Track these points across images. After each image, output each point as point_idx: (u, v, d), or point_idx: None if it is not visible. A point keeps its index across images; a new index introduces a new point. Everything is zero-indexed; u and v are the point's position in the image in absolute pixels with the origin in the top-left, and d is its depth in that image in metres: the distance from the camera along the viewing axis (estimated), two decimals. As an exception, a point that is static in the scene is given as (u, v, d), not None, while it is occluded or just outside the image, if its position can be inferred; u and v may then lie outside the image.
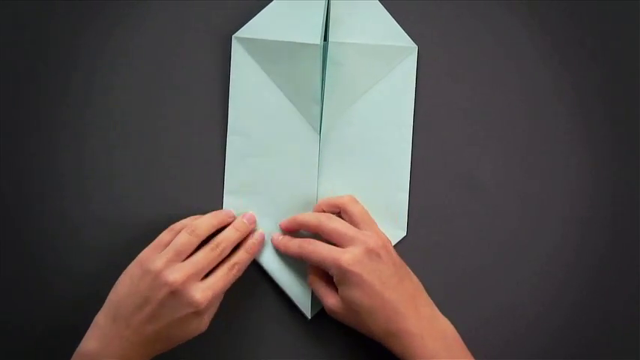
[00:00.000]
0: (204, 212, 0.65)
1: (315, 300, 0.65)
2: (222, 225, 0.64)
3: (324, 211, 0.65)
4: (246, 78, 0.66)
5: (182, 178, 0.66)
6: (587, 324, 0.67)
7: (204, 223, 0.63)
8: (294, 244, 0.64)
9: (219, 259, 0.62)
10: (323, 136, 0.66)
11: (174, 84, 0.66)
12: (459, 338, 0.61)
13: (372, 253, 0.60)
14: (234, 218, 0.65)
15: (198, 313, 0.60)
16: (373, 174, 0.66)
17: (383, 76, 0.66)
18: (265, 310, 0.66)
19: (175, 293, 0.58)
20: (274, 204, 0.66)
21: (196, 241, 0.61)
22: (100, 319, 0.60)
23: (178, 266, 0.60)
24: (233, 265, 0.62)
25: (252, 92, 0.66)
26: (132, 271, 0.61)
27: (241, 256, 0.63)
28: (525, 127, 0.67)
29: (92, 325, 0.60)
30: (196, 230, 0.62)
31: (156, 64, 0.66)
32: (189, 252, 0.61)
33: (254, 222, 0.65)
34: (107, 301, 0.60)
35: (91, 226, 0.66)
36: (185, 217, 0.65)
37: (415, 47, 0.66)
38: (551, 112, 0.67)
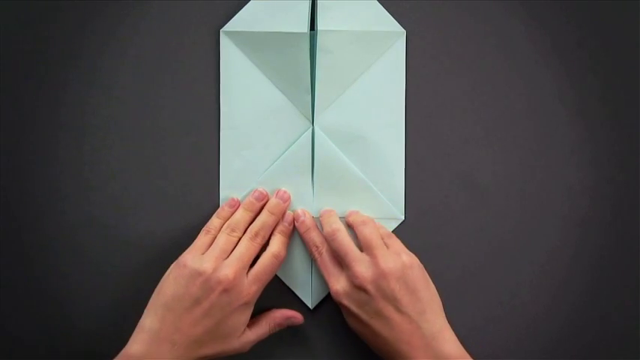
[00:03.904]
0: (203, 208, 0.66)
1: (316, 290, 0.66)
2: (257, 213, 0.65)
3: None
4: (236, 71, 0.66)
5: (180, 176, 0.67)
6: (587, 324, 0.67)
7: (240, 219, 0.64)
8: (313, 237, 0.64)
9: (261, 247, 0.63)
10: (316, 124, 0.66)
11: (170, 82, 0.66)
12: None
13: (359, 288, 0.61)
14: (267, 199, 0.65)
15: (247, 304, 0.61)
16: (368, 160, 0.66)
17: (373, 62, 0.66)
18: (268, 300, 0.65)
19: (228, 290, 0.60)
20: (270, 195, 0.66)
21: (236, 240, 0.63)
22: (146, 323, 0.60)
23: (226, 263, 0.61)
24: (277, 255, 0.63)
25: (242, 85, 0.66)
26: (176, 274, 0.61)
27: (278, 242, 0.64)
28: (525, 127, 0.67)
29: (137, 329, 0.60)
30: (235, 230, 0.63)
31: (153, 63, 0.66)
32: (232, 249, 0.62)
33: (288, 199, 0.65)
34: (151, 305, 0.61)
35: (91, 226, 0.66)
36: (184, 216, 0.66)
37: (403, 32, 0.66)
38: (551, 112, 0.67)
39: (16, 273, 0.66)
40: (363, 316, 0.61)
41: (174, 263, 0.62)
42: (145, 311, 0.60)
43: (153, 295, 0.61)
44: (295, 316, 0.65)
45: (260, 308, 0.64)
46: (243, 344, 0.62)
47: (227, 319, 0.60)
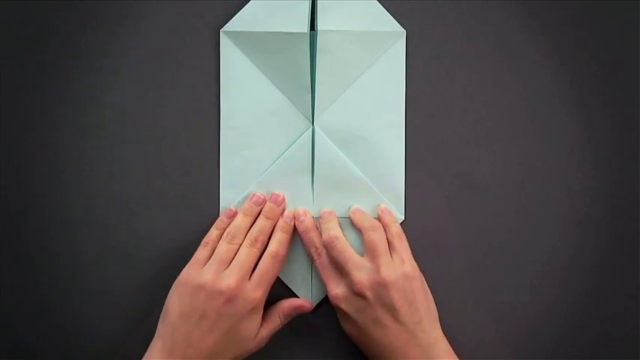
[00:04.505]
0: (203, 208, 0.66)
1: (316, 290, 0.66)
2: (255, 218, 0.65)
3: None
4: (236, 71, 0.66)
5: (180, 176, 0.67)
6: (587, 324, 0.67)
7: (240, 225, 0.64)
8: (312, 238, 0.64)
9: (261, 252, 0.63)
10: (316, 124, 0.66)
11: (170, 82, 0.66)
12: None
13: (358, 294, 0.61)
14: (264, 204, 0.65)
15: (255, 309, 0.61)
16: (368, 160, 0.66)
17: (373, 62, 0.66)
18: (268, 300, 0.65)
19: (232, 299, 0.60)
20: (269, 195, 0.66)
21: (237, 248, 0.62)
22: (158, 343, 0.60)
23: (227, 272, 0.61)
24: (275, 255, 0.63)
25: (242, 85, 0.66)
26: (179, 291, 0.61)
27: (277, 241, 0.63)
28: (525, 127, 0.67)
29: (150, 348, 0.60)
30: (236, 237, 0.63)
31: (153, 63, 0.66)
32: (232, 258, 0.62)
33: (282, 202, 0.65)
34: (160, 325, 0.61)
35: (91, 226, 0.66)
36: (184, 215, 0.66)
37: (403, 32, 0.66)
38: (551, 112, 0.67)
39: (15, 273, 0.66)
40: (360, 322, 0.61)
41: (176, 281, 0.62)
42: (156, 333, 0.61)
43: (161, 317, 0.61)
44: (304, 304, 0.65)
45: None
46: (259, 342, 0.63)
47: (237, 328, 0.60)
